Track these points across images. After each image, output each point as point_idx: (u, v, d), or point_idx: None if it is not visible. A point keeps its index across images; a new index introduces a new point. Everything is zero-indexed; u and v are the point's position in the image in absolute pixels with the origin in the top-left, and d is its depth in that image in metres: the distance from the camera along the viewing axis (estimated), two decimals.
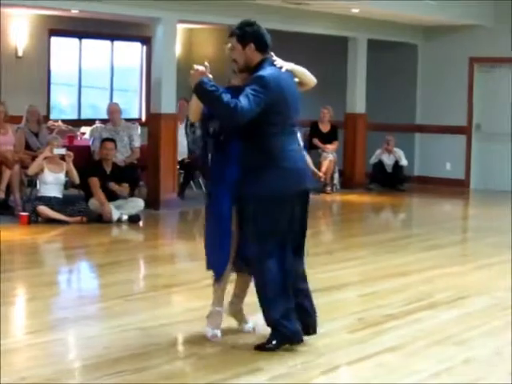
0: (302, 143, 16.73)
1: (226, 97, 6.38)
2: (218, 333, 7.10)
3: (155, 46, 15.10)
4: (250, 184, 6.73)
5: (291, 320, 6.79)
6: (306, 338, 6.98)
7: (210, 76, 6.58)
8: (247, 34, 6.79)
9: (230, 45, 6.85)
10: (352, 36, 18.21)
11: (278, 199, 6.70)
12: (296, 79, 6.95)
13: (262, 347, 6.82)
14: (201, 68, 6.60)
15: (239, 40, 6.79)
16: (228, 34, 6.91)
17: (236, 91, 6.57)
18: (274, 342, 6.80)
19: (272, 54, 6.89)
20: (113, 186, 13.36)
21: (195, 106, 6.91)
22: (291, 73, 6.89)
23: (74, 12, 16.23)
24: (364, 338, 7.36)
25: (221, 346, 7.01)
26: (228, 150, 6.89)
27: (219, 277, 7.14)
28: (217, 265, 7.15)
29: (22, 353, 6.86)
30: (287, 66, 6.86)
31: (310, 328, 7.06)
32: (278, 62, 6.84)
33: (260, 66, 6.75)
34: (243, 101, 6.39)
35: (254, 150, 6.75)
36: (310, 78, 7.17)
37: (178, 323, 7.84)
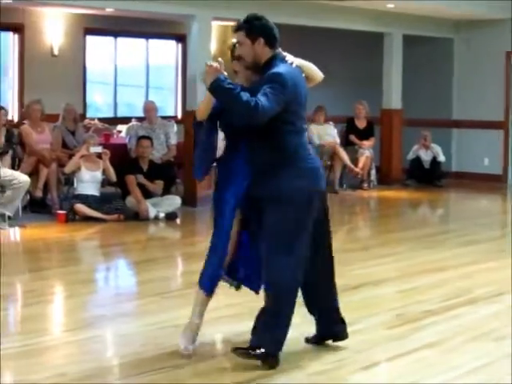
0: (338, 139, 16.84)
1: (245, 95, 6.04)
2: (191, 347, 6.71)
3: (190, 44, 15.11)
4: (264, 184, 6.44)
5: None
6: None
7: (225, 73, 6.18)
8: (256, 27, 6.42)
9: (235, 40, 6.53)
10: (387, 31, 18.12)
11: (294, 199, 6.43)
12: (303, 74, 6.71)
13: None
14: (215, 64, 6.14)
15: (248, 34, 6.38)
16: (234, 29, 6.50)
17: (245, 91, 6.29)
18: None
19: (280, 49, 6.61)
20: (145, 182, 13.35)
21: (206, 105, 6.47)
22: (300, 68, 6.66)
23: (109, 10, 16.27)
24: (402, 334, 7.32)
25: None
26: (237, 151, 6.58)
27: (210, 294, 6.79)
28: (209, 281, 6.78)
29: (61, 350, 6.87)
30: (297, 61, 6.63)
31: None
32: (289, 57, 6.59)
33: (271, 62, 6.40)
34: (263, 99, 6.09)
35: (267, 149, 6.43)
36: (318, 73, 6.99)
37: (214, 320, 7.81)
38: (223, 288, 6.96)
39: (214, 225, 6.71)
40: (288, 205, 6.36)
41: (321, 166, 6.84)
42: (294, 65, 6.53)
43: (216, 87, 6.05)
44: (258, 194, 6.45)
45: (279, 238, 6.39)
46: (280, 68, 6.36)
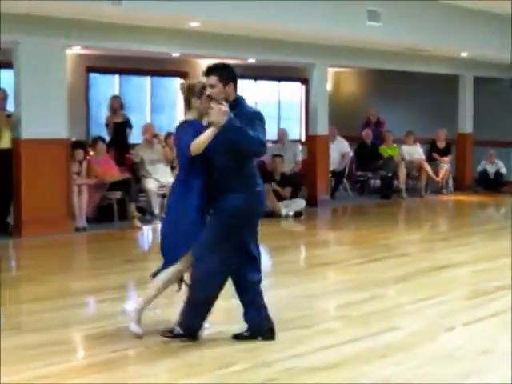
0: (424, 156, 16.49)
1: (251, 132, 5.59)
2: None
3: (312, 85, 15.04)
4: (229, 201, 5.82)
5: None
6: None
7: (232, 115, 5.62)
8: (228, 74, 5.82)
9: (207, 82, 5.81)
10: (461, 74, 17.80)
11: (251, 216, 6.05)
12: None
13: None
14: (224, 108, 5.60)
15: (220, 80, 5.76)
16: (205, 73, 5.84)
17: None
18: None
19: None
20: (278, 189, 13.35)
21: (205, 143, 5.64)
22: None
23: (251, 61, 16.34)
24: (477, 304, 7.16)
25: (362, 309, 6.91)
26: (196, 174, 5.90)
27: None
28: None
29: (217, 314, 6.76)
30: None
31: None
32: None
33: (239, 101, 5.85)
34: (260, 135, 5.68)
35: (235, 174, 5.81)
36: None
37: (332, 292, 7.77)
38: None
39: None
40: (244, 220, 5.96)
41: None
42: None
43: (230, 125, 5.56)
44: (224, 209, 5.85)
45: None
46: (252, 107, 6.08)
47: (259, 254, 6.27)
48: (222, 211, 5.85)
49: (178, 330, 5.91)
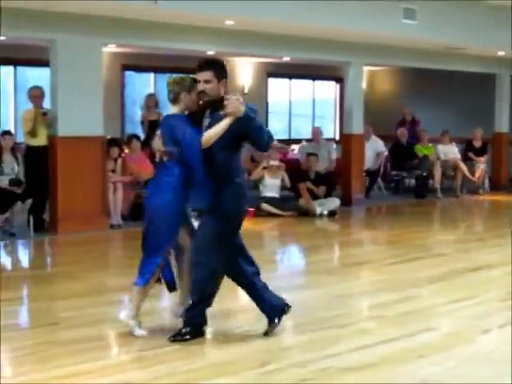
0: (459, 156, 16.35)
1: (263, 125, 5.70)
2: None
3: (347, 84, 15.00)
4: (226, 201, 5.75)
5: None
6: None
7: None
8: (223, 70, 5.80)
9: (201, 77, 5.74)
10: (498, 73, 17.65)
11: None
12: None
13: None
14: (241, 99, 5.57)
15: (215, 75, 5.72)
16: (200, 68, 5.76)
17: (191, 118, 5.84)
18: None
19: None
20: (313, 188, 13.33)
21: (220, 133, 5.57)
22: None
23: (286, 59, 16.36)
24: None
25: (397, 309, 6.89)
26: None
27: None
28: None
29: (252, 312, 6.76)
30: None
31: None
32: None
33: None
34: (267, 129, 5.73)
35: (231, 168, 5.75)
36: None
37: (366, 292, 7.75)
38: None
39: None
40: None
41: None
42: None
43: (247, 117, 5.52)
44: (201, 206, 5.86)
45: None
46: (246, 103, 5.75)
47: (243, 244, 6.12)
48: (220, 212, 5.74)
49: (185, 330, 5.89)
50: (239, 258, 6.02)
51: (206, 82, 5.73)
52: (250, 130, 5.59)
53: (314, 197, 13.21)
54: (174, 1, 9.99)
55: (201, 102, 5.83)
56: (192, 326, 5.90)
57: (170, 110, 5.98)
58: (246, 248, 6.09)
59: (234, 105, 5.52)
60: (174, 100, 5.92)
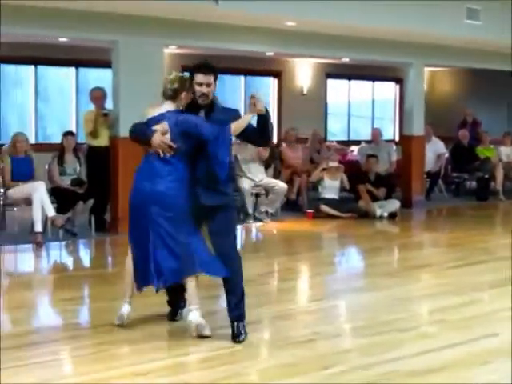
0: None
1: None
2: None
3: (407, 85, 14.88)
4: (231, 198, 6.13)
5: None
6: None
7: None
8: (217, 73, 6.01)
9: (204, 80, 5.89)
10: None
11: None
12: None
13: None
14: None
15: (215, 79, 5.94)
16: (205, 72, 5.91)
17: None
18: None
19: None
20: (372, 189, 13.25)
21: (241, 128, 5.91)
22: None
23: (345, 60, 16.30)
24: None
25: (460, 313, 6.80)
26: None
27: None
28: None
29: (312, 314, 6.87)
30: None
31: None
32: None
33: (216, 100, 6.14)
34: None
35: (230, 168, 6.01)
36: None
37: (428, 295, 7.67)
38: None
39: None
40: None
41: None
42: None
43: (266, 114, 5.89)
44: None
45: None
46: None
47: None
48: (231, 209, 6.07)
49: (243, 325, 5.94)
50: None
51: (208, 85, 5.90)
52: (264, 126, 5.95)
53: (374, 199, 13.13)
54: (235, 1, 10.01)
55: (201, 103, 5.95)
56: (245, 320, 5.96)
57: (167, 106, 6.01)
58: None
59: (262, 103, 5.85)
60: (173, 97, 5.99)
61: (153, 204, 5.85)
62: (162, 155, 5.85)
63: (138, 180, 6.03)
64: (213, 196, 5.90)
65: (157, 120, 5.96)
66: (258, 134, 6.00)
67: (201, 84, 5.89)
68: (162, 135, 5.85)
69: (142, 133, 5.95)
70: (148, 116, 6.05)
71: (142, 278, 6.06)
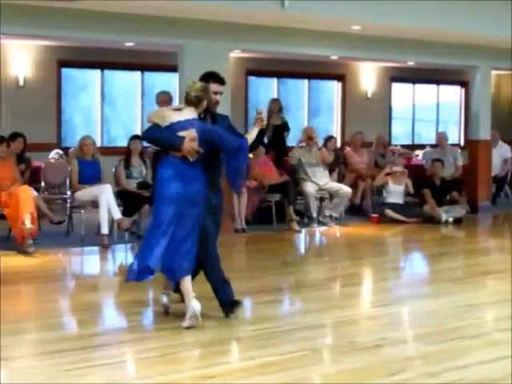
0: None
1: None
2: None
3: (473, 88, 14.71)
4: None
5: None
6: None
7: None
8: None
9: (218, 89, 6.62)
10: None
11: None
12: None
13: None
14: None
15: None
16: (219, 81, 6.64)
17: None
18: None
19: None
20: (453, 195, 13.18)
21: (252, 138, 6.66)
22: None
23: (410, 64, 16.15)
24: None
25: None
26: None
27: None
28: None
29: (377, 320, 6.79)
30: None
31: None
32: None
33: None
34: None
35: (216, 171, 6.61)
36: None
37: (495, 302, 7.53)
38: None
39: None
40: None
41: None
42: None
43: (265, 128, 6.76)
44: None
45: None
46: None
47: None
48: (219, 211, 6.75)
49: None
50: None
51: (221, 93, 6.60)
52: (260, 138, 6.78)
53: (440, 203, 12.97)
54: (301, 5, 10.00)
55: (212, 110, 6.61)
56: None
57: (188, 112, 6.35)
58: None
59: (265, 118, 6.73)
60: (196, 104, 6.37)
61: (185, 203, 6.22)
62: (190, 159, 6.21)
63: (168, 181, 6.27)
64: (217, 197, 6.62)
65: (182, 126, 6.27)
66: (253, 144, 6.62)
67: (216, 93, 6.54)
68: (190, 142, 6.19)
69: (169, 138, 6.24)
70: (170, 120, 6.31)
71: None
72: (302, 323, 6.48)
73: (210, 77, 6.59)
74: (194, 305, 6.22)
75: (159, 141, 6.46)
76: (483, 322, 6.87)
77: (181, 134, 6.20)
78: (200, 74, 10.77)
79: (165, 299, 6.69)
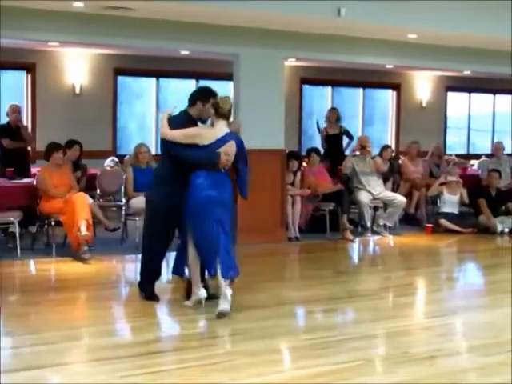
0: None
1: None
2: None
3: None
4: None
5: None
6: None
7: None
8: None
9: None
10: None
11: None
12: None
13: None
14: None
15: None
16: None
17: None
18: None
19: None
20: (509, 205, 12.99)
21: None
22: None
23: (466, 73, 16.02)
24: None
25: None
26: None
27: None
28: None
29: (432, 331, 6.71)
30: None
31: None
32: None
33: None
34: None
35: None
36: None
37: None
38: None
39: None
40: None
41: None
42: None
43: None
44: None
45: None
46: None
47: None
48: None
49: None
50: None
51: None
52: None
53: (496, 213, 12.81)
54: (356, 13, 9.97)
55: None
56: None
57: (222, 125, 7.05)
58: None
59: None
60: (228, 117, 7.13)
61: (220, 207, 6.93)
62: (222, 170, 7.01)
63: (203, 189, 6.91)
64: None
65: (225, 140, 6.99)
66: None
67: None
68: (225, 155, 6.93)
69: (208, 158, 6.93)
70: (211, 137, 6.98)
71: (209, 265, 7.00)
72: (355, 333, 6.45)
73: (211, 93, 7.21)
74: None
75: (198, 161, 6.96)
76: None
77: (219, 150, 6.92)
78: (254, 82, 10.92)
79: (202, 290, 7.13)
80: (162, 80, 15.34)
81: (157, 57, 14.20)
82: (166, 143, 7.16)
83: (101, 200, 11.44)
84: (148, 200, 7.53)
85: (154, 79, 15.28)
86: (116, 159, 13.11)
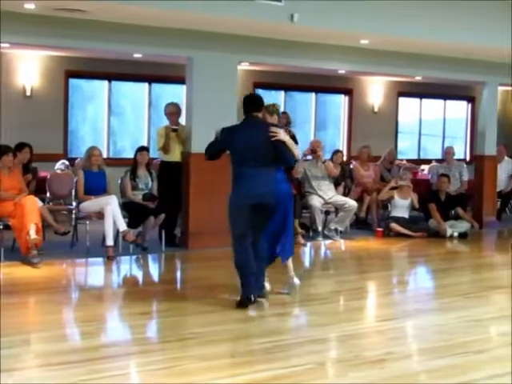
0: None
1: None
2: None
3: (480, 104, 14.70)
4: None
5: None
6: None
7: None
8: None
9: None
10: None
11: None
12: None
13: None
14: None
15: None
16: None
17: None
18: None
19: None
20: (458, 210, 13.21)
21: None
22: None
23: (417, 78, 16.15)
24: None
25: None
26: None
27: None
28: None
29: (383, 334, 6.76)
30: None
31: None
32: None
33: None
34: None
35: None
36: None
37: (503, 317, 7.49)
38: None
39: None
40: None
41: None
42: None
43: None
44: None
45: None
46: None
47: None
48: None
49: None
50: None
51: None
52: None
53: (445, 217, 12.95)
54: (310, 19, 10.01)
55: None
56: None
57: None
58: None
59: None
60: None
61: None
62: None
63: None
64: None
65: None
66: None
67: None
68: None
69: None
70: None
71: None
72: (308, 336, 6.46)
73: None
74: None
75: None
76: (489, 337, 6.85)
77: None
78: (208, 86, 10.90)
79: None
80: (114, 83, 15.22)
81: (109, 59, 14.11)
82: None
83: (51, 203, 11.35)
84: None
85: (106, 82, 15.15)
86: (67, 162, 13.00)
